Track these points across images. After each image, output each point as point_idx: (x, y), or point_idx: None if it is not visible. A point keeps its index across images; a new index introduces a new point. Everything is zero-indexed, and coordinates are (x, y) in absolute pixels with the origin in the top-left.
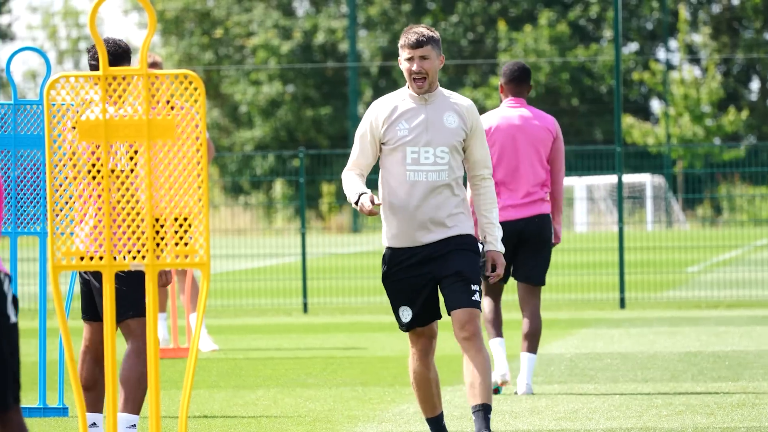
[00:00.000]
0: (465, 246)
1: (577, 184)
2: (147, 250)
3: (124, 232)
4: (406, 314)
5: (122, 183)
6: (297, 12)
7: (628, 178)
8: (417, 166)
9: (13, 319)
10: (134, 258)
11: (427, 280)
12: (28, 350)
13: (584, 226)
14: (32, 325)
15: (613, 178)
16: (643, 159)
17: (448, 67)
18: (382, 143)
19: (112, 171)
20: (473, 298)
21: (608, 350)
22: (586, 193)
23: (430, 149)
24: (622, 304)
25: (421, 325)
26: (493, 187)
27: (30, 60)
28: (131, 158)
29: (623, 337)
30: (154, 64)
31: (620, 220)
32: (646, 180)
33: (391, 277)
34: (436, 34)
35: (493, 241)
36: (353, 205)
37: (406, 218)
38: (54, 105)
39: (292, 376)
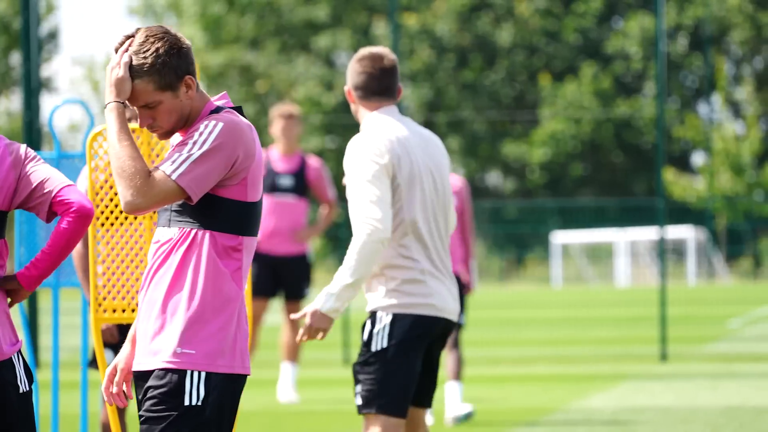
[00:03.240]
0: None
1: (619, 239)
2: None
3: None
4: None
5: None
6: (337, 64)
7: (670, 233)
8: None
9: (23, 388)
10: None
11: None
12: (69, 401)
13: (627, 279)
14: (74, 377)
15: (654, 233)
16: (684, 214)
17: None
18: None
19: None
20: None
21: (649, 404)
22: (626, 247)
23: None
24: (664, 357)
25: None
26: None
27: (73, 112)
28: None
29: (664, 391)
30: (291, 116)
31: (662, 274)
32: (688, 235)
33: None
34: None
35: None
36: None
37: None
38: (96, 157)
39: (333, 429)
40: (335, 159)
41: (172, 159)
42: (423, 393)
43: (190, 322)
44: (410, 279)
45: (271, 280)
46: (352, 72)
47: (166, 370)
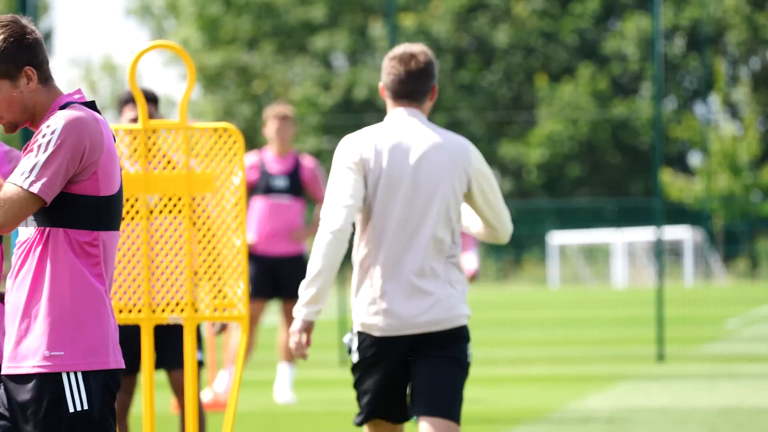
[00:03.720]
0: None
1: (616, 239)
2: (186, 304)
3: (162, 285)
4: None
5: (161, 236)
6: (334, 65)
7: (667, 234)
8: None
9: None
10: (172, 311)
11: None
12: None
13: (624, 279)
14: None
15: (652, 234)
16: (681, 215)
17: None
18: None
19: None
20: None
21: (646, 404)
22: (623, 248)
23: None
24: (661, 358)
25: None
26: None
27: None
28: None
29: (662, 392)
30: (285, 117)
31: (659, 274)
32: (685, 236)
33: None
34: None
35: None
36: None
37: None
38: None
39: (330, 430)
40: (332, 160)
41: (22, 169)
42: (417, 402)
43: (55, 323)
44: (362, 296)
45: (269, 281)
46: (384, 70)
47: (41, 377)
